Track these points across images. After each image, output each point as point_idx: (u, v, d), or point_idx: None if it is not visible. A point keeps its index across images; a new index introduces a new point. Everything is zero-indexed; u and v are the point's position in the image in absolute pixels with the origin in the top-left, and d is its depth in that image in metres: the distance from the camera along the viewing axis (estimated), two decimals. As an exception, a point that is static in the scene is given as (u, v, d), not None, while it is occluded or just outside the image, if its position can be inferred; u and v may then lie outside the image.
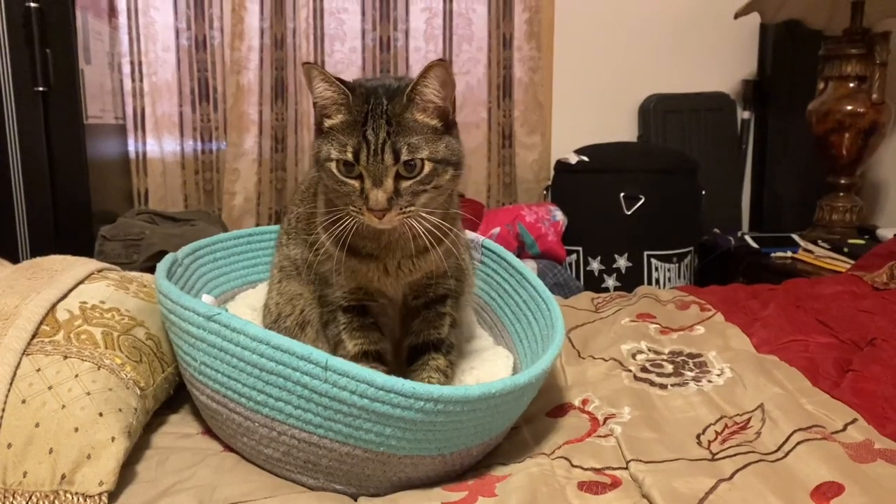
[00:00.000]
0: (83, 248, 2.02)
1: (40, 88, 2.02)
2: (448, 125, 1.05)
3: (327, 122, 1.04)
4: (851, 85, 2.52)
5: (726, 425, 1.14)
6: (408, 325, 1.21)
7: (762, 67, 3.12)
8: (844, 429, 1.11)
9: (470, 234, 1.46)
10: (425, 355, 1.18)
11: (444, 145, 1.03)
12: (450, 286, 1.19)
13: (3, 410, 0.96)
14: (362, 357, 1.12)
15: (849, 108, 2.51)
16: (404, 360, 1.20)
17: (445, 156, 1.03)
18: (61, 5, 2.04)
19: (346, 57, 2.82)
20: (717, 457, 1.04)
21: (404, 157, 0.99)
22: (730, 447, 1.07)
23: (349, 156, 0.99)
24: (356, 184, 1.00)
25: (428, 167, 1.01)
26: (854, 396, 1.21)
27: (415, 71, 2.82)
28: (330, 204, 1.08)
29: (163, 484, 1.00)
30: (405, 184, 1.00)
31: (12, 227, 2.05)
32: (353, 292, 1.13)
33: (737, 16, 2.69)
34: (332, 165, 1.01)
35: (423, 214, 1.02)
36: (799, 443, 1.05)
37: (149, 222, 2.34)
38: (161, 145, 2.73)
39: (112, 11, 2.56)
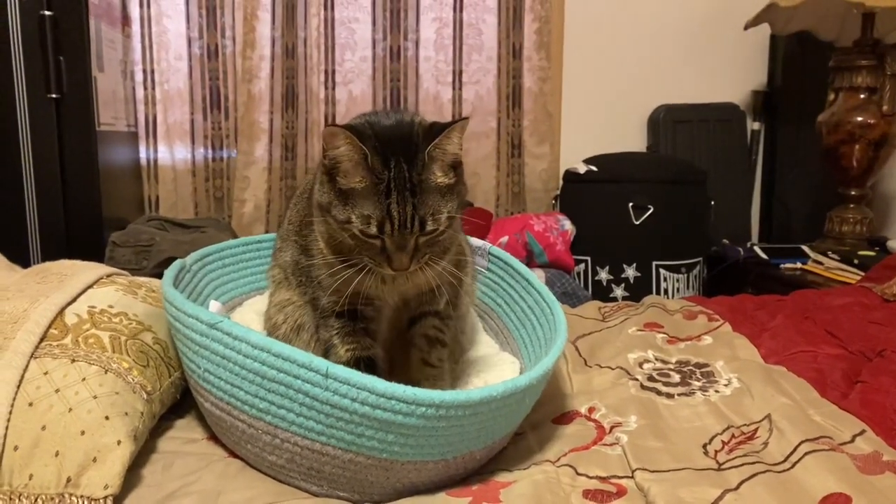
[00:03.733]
0: (94, 253, 2.03)
1: (53, 95, 2.04)
2: (457, 169, 1.04)
3: (343, 182, 1.00)
4: (862, 96, 2.51)
5: (733, 435, 1.14)
6: (405, 308, 1.21)
7: (772, 78, 3.11)
8: (852, 440, 1.10)
9: (477, 241, 1.47)
10: (423, 319, 1.19)
11: (457, 195, 1.03)
12: (445, 288, 1.19)
13: (11, 413, 0.96)
14: (354, 365, 1.11)
15: (859, 119, 2.50)
16: (404, 330, 1.21)
17: (458, 207, 1.04)
18: (75, 13, 2.07)
19: (357, 66, 2.83)
20: (723, 467, 1.04)
21: (429, 226, 0.99)
22: (736, 457, 1.06)
23: (373, 229, 0.98)
24: (377, 243, 1.00)
25: (445, 223, 1.02)
26: (862, 408, 1.20)
27: (424, 80, 2.85)
28: (335, 242, 1.07)
29: (168, 488, 1.00)
30: (423, 240, 1.01)
31: (24, 233, 2.07)
32: (348, 297, 1.10)
33: (747, 27, 2.68)
34: (353, 228, 0.99)
35: (436, 263, 1.05)
36: (806, 453, 1.04)
37: (159, 229, 2.35)
38: (172, 153, 2.75)
39: (125, 20, 2.59)
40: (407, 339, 1.20)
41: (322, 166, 1.03)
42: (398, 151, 0.98)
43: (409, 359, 1.21)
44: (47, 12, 2.01)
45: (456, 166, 1.04)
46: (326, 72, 2.80)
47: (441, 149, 1.00)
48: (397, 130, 1.03)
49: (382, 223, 0.98)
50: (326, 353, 1.14)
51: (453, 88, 2.89)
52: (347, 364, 1.10)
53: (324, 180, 1.03)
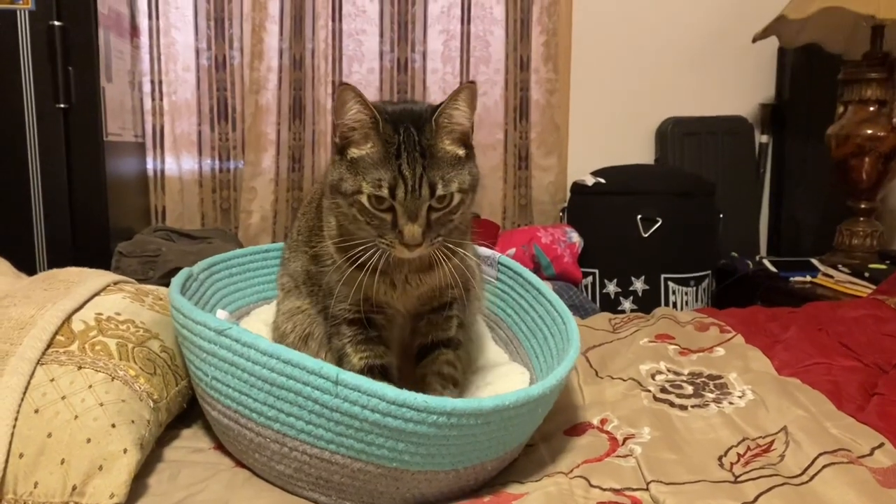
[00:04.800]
0: (100, 264, 1.99)
1: (62, 105, 2.04)
2: (468, 150, 1.06)
3: (353, 152, 1.01)
4: (871, 109, 2.50)
5: (749, 447, 1.12)
6: (415, 326, 1.20)
7: (780, 91, 3.10)
8: (871, 453, 1.09)
9: (486, 251, 1.46)
10: (434, 351, 1.18)
11: (468, 172, 1.04)
12: (456, 294, 1.18)
13: (16, 420, 0.95)
14: (367, 372, 1.11)
15: (869, 132, 2.49)
16: (414, 358, 1.20)
17: (470, 184, 1.04)
18: (85, 24, 2.07)
19: (364, 78, 2.83)
20: (739, 479, 1.02)
21: (440, 191, 0.99)
22: (752, 470, 1.04)
23: (384, 192, 0.98)
24: (388, 217, 1.00)
25: (457, 198, 1.02)
26: (880, 420, 1.18)
27: (432, 92, 2.85)
28: (346, 231, 1.07)
29: (174, 497, 0.99)
30: (435, 215, 1.01)
31: (31, 242, 2.06)
32: (359, 304, 1.11)
33: (755, 39, 2.68)
34: (363, 199, 0.99)
35: (447, 244, 1.04)
36: (825, 466, 1.03)
37: (165, 239, 2.34)
38: (179, 163, 2.74)
39: (134, 31, 2.59)
40: (417, 377, 1.18)
41: (334, 146, 1.05)
42: (407, 120, 1.00)
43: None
44: (57, 23, 2.01)
45: (466, 143, 1.05)
46: (334, 83, 2.79)
47: (447, 115, 1.02)
48: (407, 107, 1.06)
49: (394, 186, 0.98)
50: (339, 362, 1.14)
51: (460, 100, 2.87)
52: (361, 372, 1.10)
53: (335, 160, 1.04)
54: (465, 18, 2.85)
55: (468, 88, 1.02)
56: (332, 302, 1.14)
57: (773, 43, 2.81)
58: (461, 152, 1.04)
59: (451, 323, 1.20)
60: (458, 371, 1.19)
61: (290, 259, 1.30)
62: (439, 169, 1.00)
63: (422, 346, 1.19)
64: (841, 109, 2.60)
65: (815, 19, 2.46)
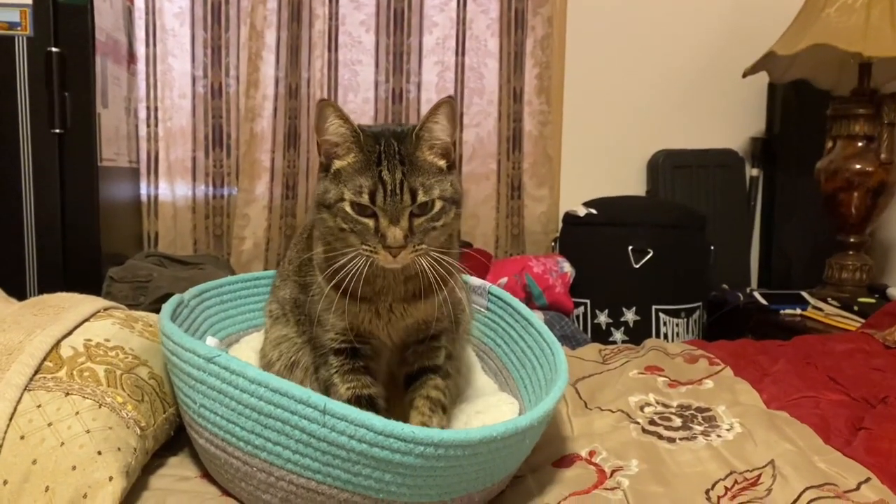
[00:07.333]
0: (91, 288, 2.00)
1: (57, 130, 2.05)
2: (450, 165, 1.08)
3: (337, 164, 1.04)
4: (859, 144, 2.53)
5: (736, 481, 1.12)
6: (403, 357, 1.20)
7: (770, 125, 3.14)
8: (858, 488, 1.09)
9: (477, 281, 1.46)
10: (423, 377, 1.17)
11: (450, 184, 1.05)
12: (444, 325, 1.19)
13: (1, 446, 0.95)
14: (355, 402, 1.10)
15: (857, 167, 2.52)
16: (401, 387, 1.19)
17: (452, 195, 1.05)
18: (83, 51, 2.09)
19: (359, 107, 2.86)
20: (726, 513, 1.02)
21: (420, 198, 1.01)
22: (740, 503, 1.04)
23: (365, 198, 1.00)
24: (370, 222, 1.01)
25: (438, 205, 1.03)
26: (867, 455, 1.18)
27: (426, 122, 2.87)
28: (330, 248, 1.08)
29: (158, 527, 0.98)
30: (417, 221, 1.02)
31: (22, 266, 2.06)
32: (345, 333, 1.12)
33: (745, 74, 2.72)
34: (346, 206, 1.01)
35: (431, 252, 1.03)
36: (811, 501, 1.03)
37: (157, 265, 2.34)
38: (173, 189, 2.75)
39: (131, 58, 2.62)
40: (406, 403, 1.18)
41: (320, 165, 1.07)
42: (388, 134, 1.03)
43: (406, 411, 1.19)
44: (55, 49, 2.03)
45: (448, 157, 1.06)
46: (329, 110, 2.82)
47: (427, 129, 1.04)
48: (389, 126, 1.09)
49: (374, 191, 0.99)
50: (327, 392, 1.14)
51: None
52: (348, 402, 1.09)
53: (321, 176, 1.06)
54: (460, 50, 2.89)
55: (447, 104, 1.04)
56: (318, 331, 1.14)
57: (763, 78, 2.85)
58: (442, 164, 1.06)
59: (440, 353, 1.20)
60: (446, 397, 1.18)
61: (279, 287, 1.30)
62: (419, 176, 1.01)
63: (409, 374, 1.19)
64: (830, 144, 2.63)
65: (804, 56, 2.50)
